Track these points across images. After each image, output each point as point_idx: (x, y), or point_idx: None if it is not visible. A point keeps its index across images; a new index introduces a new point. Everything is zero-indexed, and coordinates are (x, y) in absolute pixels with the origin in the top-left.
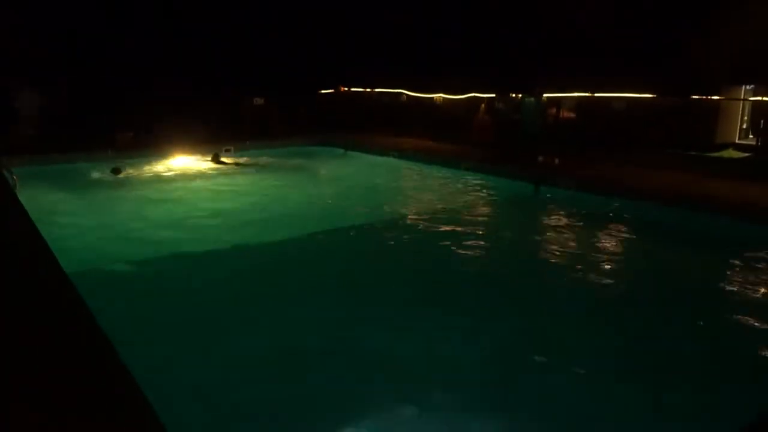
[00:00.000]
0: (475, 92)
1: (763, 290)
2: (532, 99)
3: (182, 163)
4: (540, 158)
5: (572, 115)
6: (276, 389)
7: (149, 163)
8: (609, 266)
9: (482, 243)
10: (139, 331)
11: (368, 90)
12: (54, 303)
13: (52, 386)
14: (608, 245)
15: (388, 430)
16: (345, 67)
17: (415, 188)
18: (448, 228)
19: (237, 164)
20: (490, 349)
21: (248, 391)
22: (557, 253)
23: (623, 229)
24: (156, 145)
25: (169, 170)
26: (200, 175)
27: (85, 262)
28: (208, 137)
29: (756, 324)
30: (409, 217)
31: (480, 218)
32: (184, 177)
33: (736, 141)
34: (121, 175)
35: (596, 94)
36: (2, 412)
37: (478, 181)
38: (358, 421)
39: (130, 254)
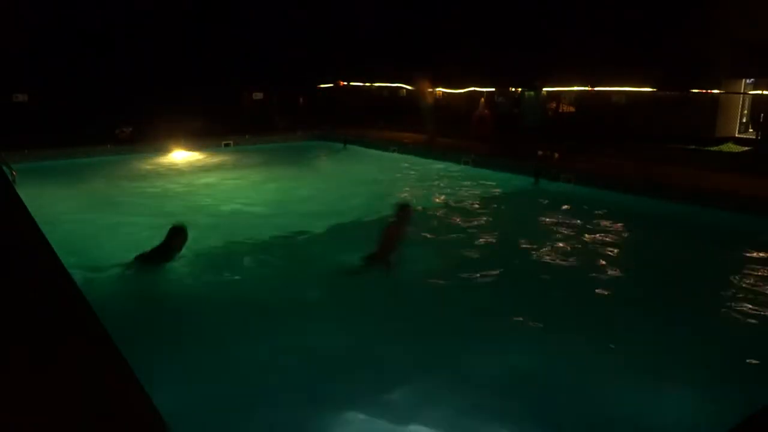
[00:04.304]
0: (474, 86)
1: (763, 283)
2: (532, 93)
3: (182, 157)
4: (540, 152)
5: (572, 108)
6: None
7: (149, 157)
8: (606, 259)
9: (482, 235)
10: (135, 326)
11: (367, 84)
12: (53, 298)
13: (50, 383)
14: (606, 239)
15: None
16: (344, 61)
17: (416, 182)
18: (448, 221)
19: None
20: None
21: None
22: (555, 245)
23: (622, 223)
24: (155, 139)
25: (169, 165)
26: (200, 170)
27: (84, 257)
28: (207, 131)
29: (757, 314)
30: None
31: (479, 211)
32: (184, 172)
33: (736, 135)
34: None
35: (596, 88)
36: (2, 410)
37: (479, 175)
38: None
39: (127, 249)
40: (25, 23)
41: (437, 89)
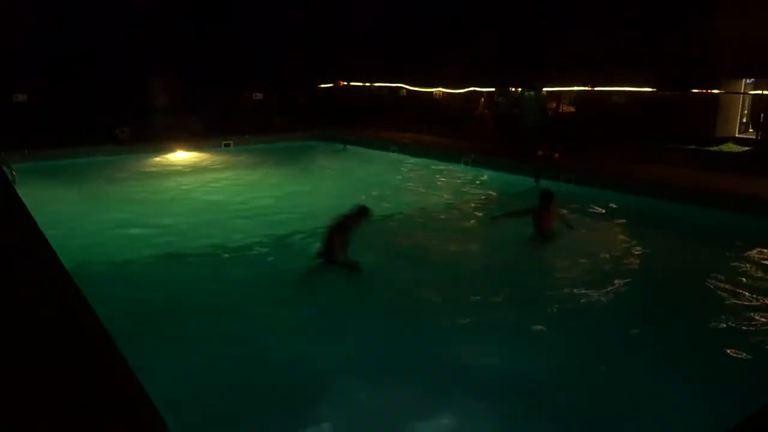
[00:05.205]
0: (474, 86)
1: (762, 282)
2: (532, 93)
3: (182, 157)
4: (540, 152)
5: (572, 108)
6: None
7: (149, 157)
8: (606, 258)
9: (482, 234)
10: (135, 325)
11: (367, 84)
12: (53, 298)
13: (51, 383)
14: (606, 238)
15: None
16: (344, 61)
17: (416, 183)
18: (448, 220)
19: None
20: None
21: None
22: (555, 244)
23: (622, 222)
24: (155, 139)
25: (169, 165)
26: (200, 170)
27: (83, 257)
28: (207, 131)
29: (756, 314)
30: (410, 211)
31: (480, 211)
32: (184, 172)
33: (736, 135)
34: None
35: (596, 88)
36: (3, 410)
37: (479, 175)
38: None
39: (127, 249)
40: (25, 23)
41: (437, 89)
